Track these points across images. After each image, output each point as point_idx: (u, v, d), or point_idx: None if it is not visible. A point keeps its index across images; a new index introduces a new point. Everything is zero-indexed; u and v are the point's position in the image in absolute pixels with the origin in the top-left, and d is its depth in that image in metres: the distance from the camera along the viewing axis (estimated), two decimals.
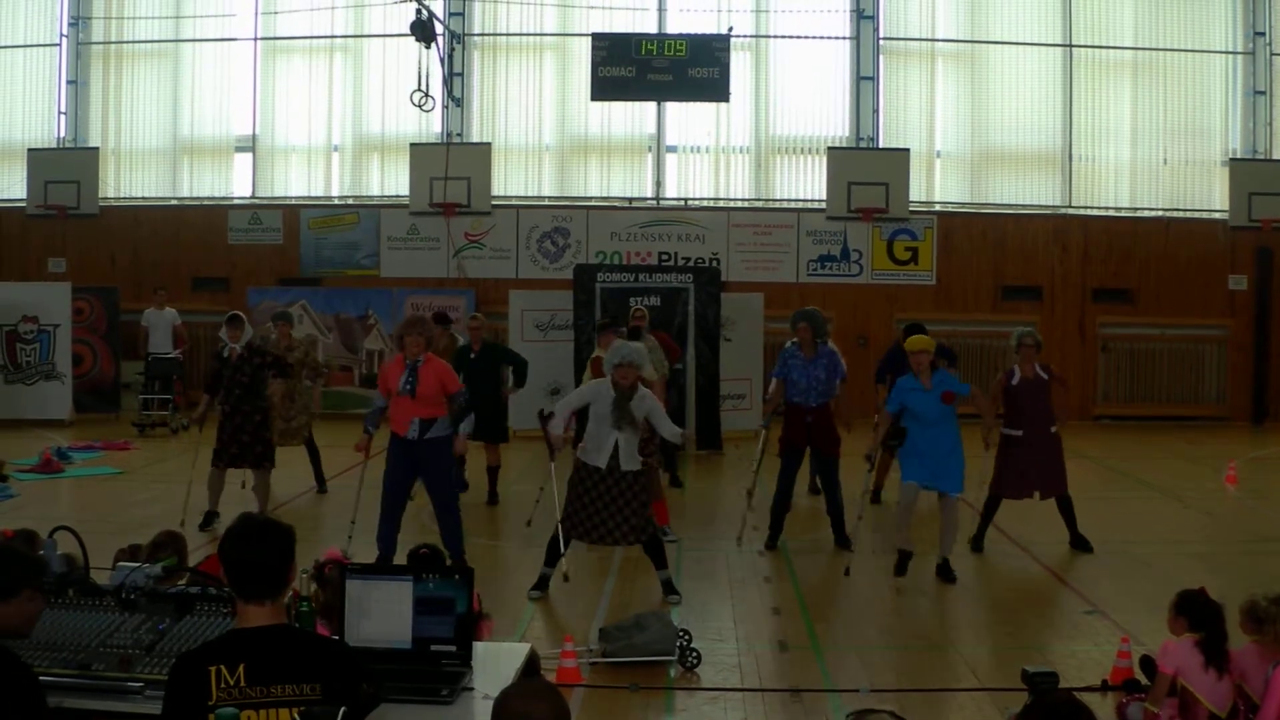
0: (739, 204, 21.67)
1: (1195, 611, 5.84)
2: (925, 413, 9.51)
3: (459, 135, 21.52)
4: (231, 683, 3.44)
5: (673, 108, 21.65)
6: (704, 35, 20.85)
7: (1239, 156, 21.40)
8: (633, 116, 21.71)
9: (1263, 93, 21.35)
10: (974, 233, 21.28)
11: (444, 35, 20.72)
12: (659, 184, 21.74)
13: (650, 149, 21.87)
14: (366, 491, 10.59)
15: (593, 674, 7.14)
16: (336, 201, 21.99)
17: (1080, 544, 10.54)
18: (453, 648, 4.55)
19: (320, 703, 3.46)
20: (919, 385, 9.57)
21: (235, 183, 22.15)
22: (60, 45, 22.10)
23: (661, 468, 12.04)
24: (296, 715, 3.44)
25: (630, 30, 21.08)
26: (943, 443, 9.52)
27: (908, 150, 21.05)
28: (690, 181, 21.93)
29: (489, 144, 21.37)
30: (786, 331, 14.42)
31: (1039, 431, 10.47)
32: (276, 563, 3.64)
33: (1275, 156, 21.31)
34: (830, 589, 9.51)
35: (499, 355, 13.00)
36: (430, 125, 21.46)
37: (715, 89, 20.69)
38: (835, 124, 21.69)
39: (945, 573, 9.55)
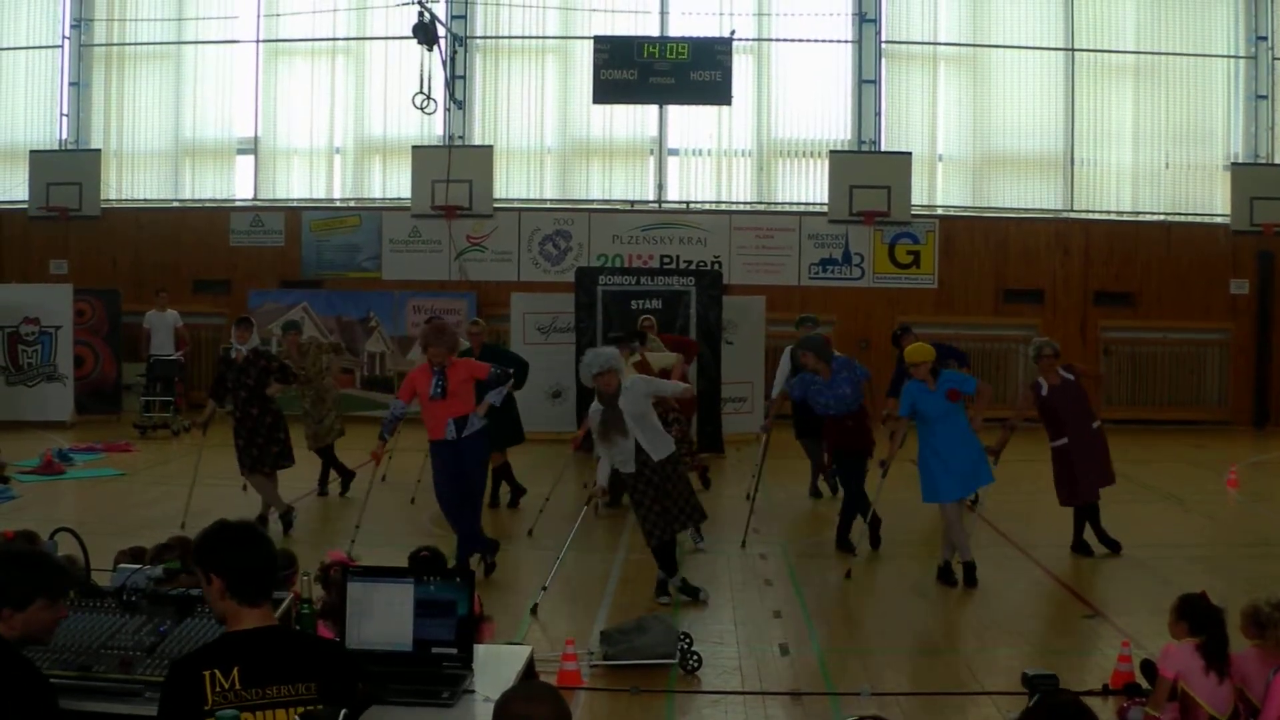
0: (741, 207, 21.68)
1: (1196, 615, 5.83)
2: (931, 410, 9.62)
3: (461, 138, 21.53)
4: (226, 686, 3.44)
5: (674, 111, 21.66)
6: (706, 38, 20.86)
7: (1241, 161, 21.41)
8: (634, 119, 21.73)
9: (1265, 97, 21.35)
10: (976, 236, 21.27)
11: (446, 38, 20.73)
12: (661, 187, 21.75)
13: (652, 152, 21.88)
14: (376, 494, 10.62)
15: (593, 676, 7.13)
16: (338, 204, 22.00)
17: (1083, 549, 10.56)
18: (454, 650, 4.56)
19: (317, 702, 3.47)
20: (925, 386, 9.64)
21: (237, 185, 22.17)
22: (62, 47, 22.12)
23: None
24: (294, 715, 3.44)
25: (632, 33, 21.10)
26: (955, 436, 9.62)
27: (909, 154, 21.07)
28: (692, 184, 21.94)
29: (491, 147, 21.39)
30: (788, 334, 14.58)
31: (1083, 434, 10.56)
32: (270, 565, 3.68)
33: (1277, 161, 21.31)
34: (831, 592, 9.50)
35: (499, 358, 12.99)
36: (432, 128, 21.47)
37: (717, 92, 20.70)
38: (837, 127, 21.69)
39: (944, 575, 9.62)
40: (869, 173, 20.87)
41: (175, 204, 22.07)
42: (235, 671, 3.46)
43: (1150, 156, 21.53)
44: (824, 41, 21.52)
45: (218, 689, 3.43)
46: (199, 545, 3.69)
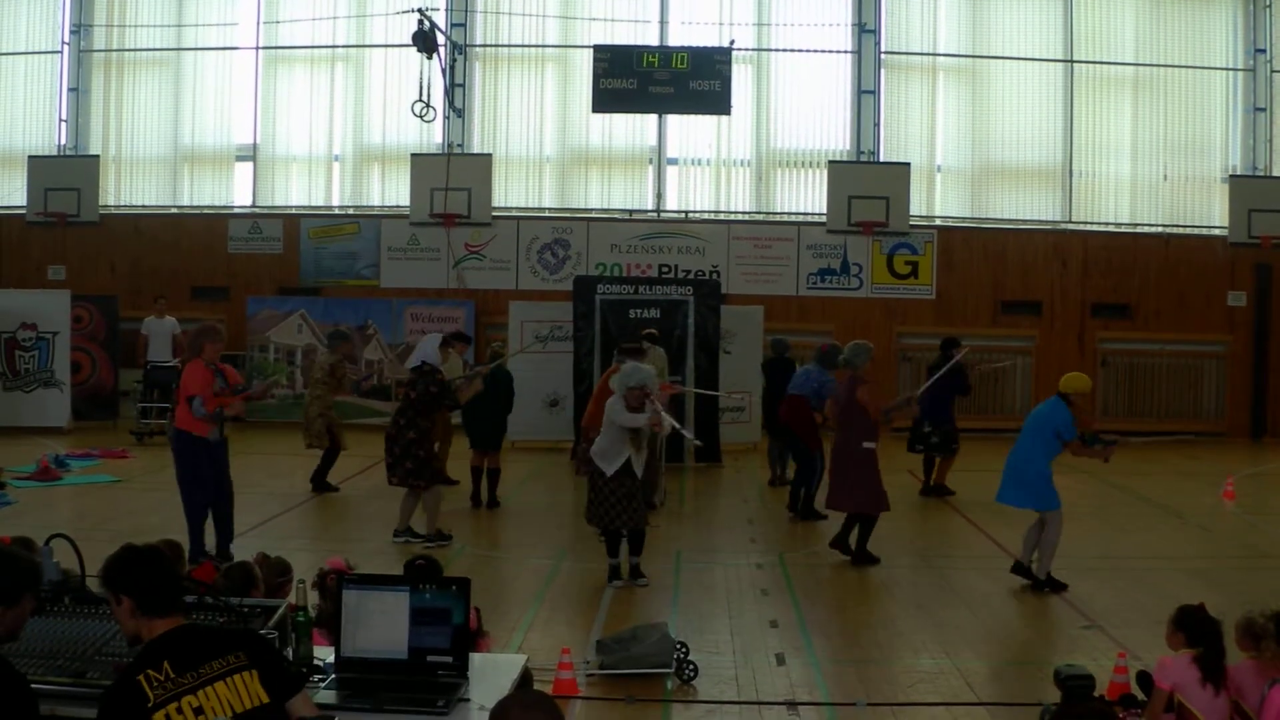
0: (739, 217, 21.69)
1: (1194, 627, 5.82)
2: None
3: (460, 146, 21.54)
4: (161, 679, 3.60)
5: (674, 120, 21.69)
6: (705, 48, 20.89)
7: (1239, 173, 21.44)
8: (634, 128, 21.75)
9: (1263, 109, 21.40)
10: (974, 247, 21.29)
11: (446, 46, 20.75)
12: (659, 196, 21.76)
13: (651, 161, 21.90)
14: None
15: (589, 686, 7.11)
16: (337, 211, 22.00)
17: (843, 547, 10.64)
18: (449, 658, 4.55)
19: (251, 667, 3.67)
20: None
21: (236, 191, 22.19)
22: (62, 52, 22.15)
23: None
24: (235, 683, 3.63)
25: (632, 43, 21.13)
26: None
27: (908, 164, 21.08)
28: (691, 194, 21.96)
29: (490, 155, 21.41)
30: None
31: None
32: (175, 579, 3.91)
33: (1275, 173, 21.35)
34: (828, 602, 9.49)
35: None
36: (431, 136, 21.48)
37: (716, 102, 20.73)
38: (836, 137, 21.72)
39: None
40: (868, 183, 20.89)
41: (174, 210, 22.06)
42: (166, 665, 3.63)
43: (1148, 168, 21.57)
44: (823, 52, 21.56)
45: (154, 684, 3.59)
46: (107, 569, 3.88)
